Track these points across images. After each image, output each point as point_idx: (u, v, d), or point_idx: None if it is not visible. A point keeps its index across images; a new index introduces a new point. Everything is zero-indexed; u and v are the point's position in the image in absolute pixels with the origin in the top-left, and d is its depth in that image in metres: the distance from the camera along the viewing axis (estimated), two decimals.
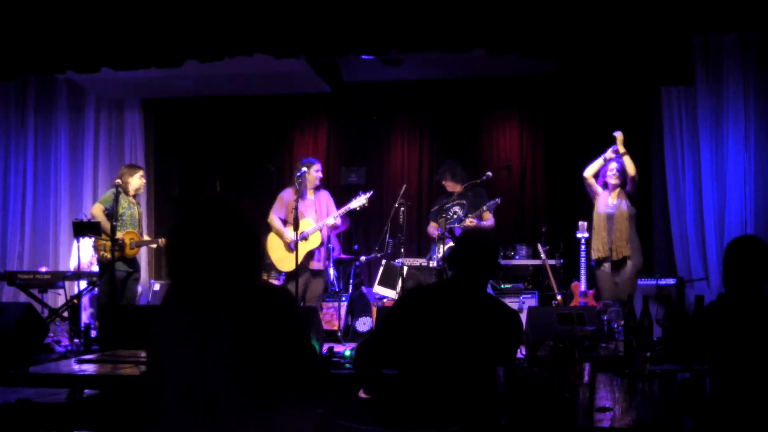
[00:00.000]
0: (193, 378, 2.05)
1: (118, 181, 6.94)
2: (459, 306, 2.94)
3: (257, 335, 2.09)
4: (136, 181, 7.08)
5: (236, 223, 2.23)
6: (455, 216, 7.08)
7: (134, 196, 7.12)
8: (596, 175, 6.59)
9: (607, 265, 6.45)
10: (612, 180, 6.48)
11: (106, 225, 6.71)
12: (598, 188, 6.56)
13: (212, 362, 2.05)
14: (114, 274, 6.61)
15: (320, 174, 6.97)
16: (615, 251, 6.37)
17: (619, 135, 6.52)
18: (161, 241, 7.34)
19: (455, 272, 3.06)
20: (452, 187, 7.18)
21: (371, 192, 7.01)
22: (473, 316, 2.92)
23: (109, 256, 6.68)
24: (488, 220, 7.06)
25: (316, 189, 6.98)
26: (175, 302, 2.18)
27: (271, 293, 2.20)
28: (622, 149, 6.48)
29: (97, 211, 6.89)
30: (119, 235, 6.75)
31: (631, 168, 6.45)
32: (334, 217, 6.84)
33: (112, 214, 6.66)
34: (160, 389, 2.11)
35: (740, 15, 6.45)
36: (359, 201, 6.89)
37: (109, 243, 6.63)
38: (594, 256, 6.49)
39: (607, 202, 6.47)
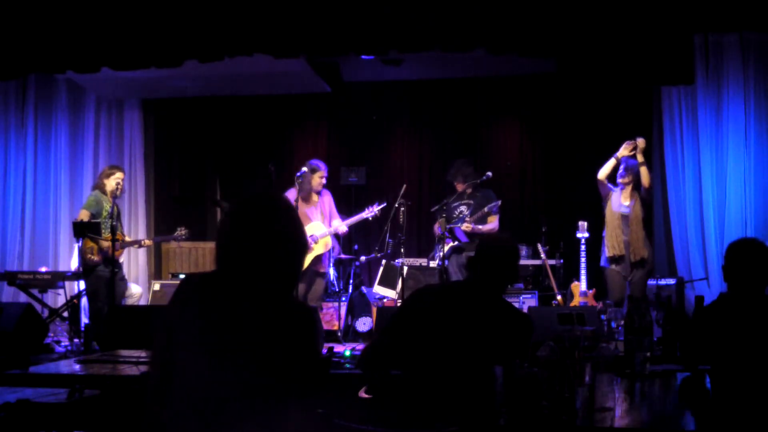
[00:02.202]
0: (206, 377, 2.03)
1: (101, 181, 6.98)
2: (472, 309, 2.93)
3: (277, 345, 2.05)
4: (112, 183, 6.99)
5: (299, 230, 2.18)
6: (461, 215, 7.06)
7: (113, 197, 7.08)
8: (610, 176, 6.58)
9: (617, 266, 6.43)
10: (622, 180, 6.48)
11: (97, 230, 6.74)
12: (611, 188, 6.54)
13: (228, 363, 2.03)
14: (100, 276, 6.66)
15: (324, 181, 6.95)
16: (633, 253, 6.37)
17: (641, 142, 6.46)
18: (144, 242, 7.56)
19: (473, 276, 3.05)
20: (462, 187, 7.16)
21: (384, 204, 7.06)
22: (483, 319, 2.92)
23: (95, 258, 6.74)
24: (492, 223, 7.02)
25: (319, 191, 6.99)
26: (196, 299, 2.11)
27: (298, 310, 2.13)
28: (641, 158, 6.44)
29: (85, 218, 6.85)
30: (106, 237, 6.78)
31: (646, 179, 6.45)
32: (346, 225, 6.89)
33: (95, 215, 6.71)
34: (167, 387, 2.08)
35: (740, 15, 6.44)
36: (372, 211, 6.99)
37: (95, 246, 6.70)
38: (608, 253, 6.47)
39: (621, 201, 6.47)
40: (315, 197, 6.92)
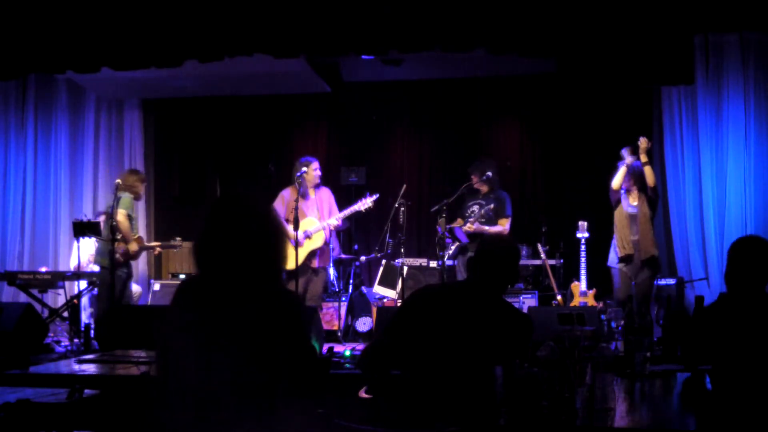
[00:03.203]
0: (200, 377, 2.04)
1: (134, 185, 7.04)
2: (470, 308, 2.93)
3: (265, 338, 2.07)
4: (142, 188, 7.25)
5: (269, 223, 2.21)
6: (472, 214, 7.06)
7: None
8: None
9: (626, 266, 6.42)
10: (625, 184, 6.45)
11: (129, 230, 6.89)
12: (621, 194, 6.52)
13: (219, 362, 2.04)
14: (119, 276, 6.76)
15: (319, 172, 6.93)
16: (642, 251, 6.34)
17: (642, 142, 6.41)
18: (156, 249, 7.69)
19: (472, 276, 3.05)
20: (478, 184, 7.14)
21: (377, 195, 6.97)
22: (483, 319, 2.92)
23: (122, 259, 6.87)
24: (501, 226, 6.97)
25: (317, 187, 6.95)
26: (186, 301, 2.15)
27: (282, 297, 2.17)
28: (644, 158, 6.40)
29: (124, 218, 6.87)
30: (135, 238, 6.99)
31: (650, 179, 6.41)
32: (336, 218, 6.82)
33: (130, 216, 6.79)
34: (166, 388, 2.10)
35: (740, 15, 6.44)
36: (365, 203, 6.86)
37: (130, 246, 6.85)
38: (620, 253, 6.42)
39: (629, 201, 6.46)
40: (311, 193, 6.89)
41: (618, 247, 6.46)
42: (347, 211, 6.87)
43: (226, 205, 2.21)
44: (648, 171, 6.43)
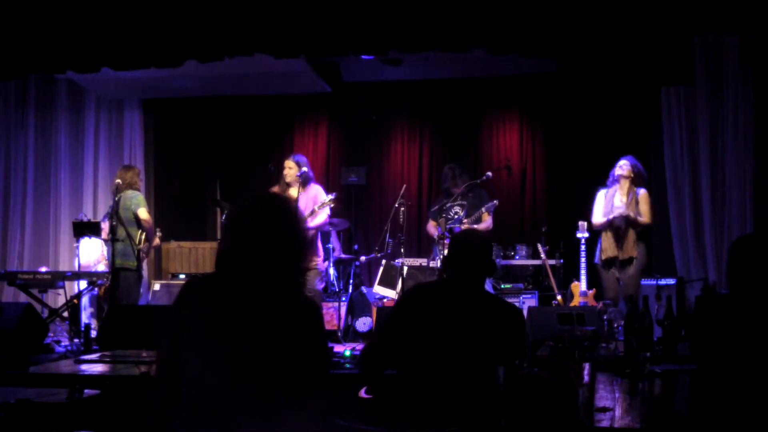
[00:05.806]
0: (217, 378, 2.02)
1: (133, 180, 7.13)
2: (457, 305, 2.95)
3: (288, 342, 2.05)
4: (140, 183, 7.34)
5: (302, 227, 2.19)
6: (456, 216, 7.08)
7: None
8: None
9: (609, 265, 6.44)
10: (621, 171, 6.46)
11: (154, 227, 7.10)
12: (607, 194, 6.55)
13: (236, 363, 2.02)
14: (139, 275, 6.97)
15: (294, 170, 6.46)
16: (622, 251, 6.37)
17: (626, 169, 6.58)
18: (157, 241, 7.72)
19: (449, 272, 3.07)
20: (458, 190, 7.18)
21: (335, 194, 6.47)
22: (472, 314, 2.93)
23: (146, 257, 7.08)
24: (486, 221, 7.03)
25: (305, 184, 6.51)
26: (204, 301, 2.11)
27: (305, 303, 2.14)
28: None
29: (149, 216, 6.99)
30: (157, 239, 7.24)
31: (645, 215, 6.51)
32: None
33: (111, 214, 6.79)
34: (174, 388, 2.07)
35: (740, 16, 6.45)
36: (321, 203, 6.33)
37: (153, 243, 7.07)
38: (603, 256, 6.47)
39: (614, 202, 6.46)
40: (292, 190, 6.49)
41: (602, 249, 6.50)
42: (312, 218, 6.38)
43: (261, 206, 2.15)
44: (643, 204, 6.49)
